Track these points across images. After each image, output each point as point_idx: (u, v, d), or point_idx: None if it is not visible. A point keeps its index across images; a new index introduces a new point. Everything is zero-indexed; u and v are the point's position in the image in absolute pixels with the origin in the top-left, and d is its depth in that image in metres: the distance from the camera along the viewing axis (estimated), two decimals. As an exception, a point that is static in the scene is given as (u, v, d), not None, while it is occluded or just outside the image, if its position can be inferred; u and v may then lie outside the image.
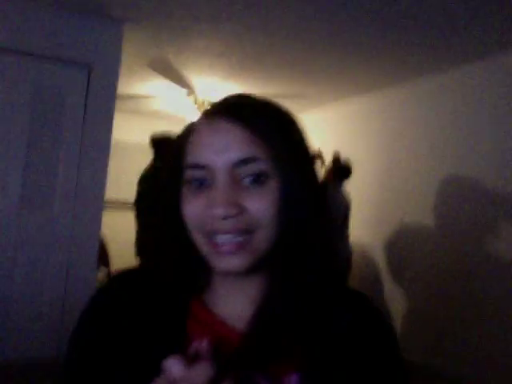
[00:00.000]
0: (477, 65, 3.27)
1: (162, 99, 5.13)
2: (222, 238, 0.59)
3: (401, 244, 3.83)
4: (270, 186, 0.59)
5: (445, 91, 3.56)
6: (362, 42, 3.12)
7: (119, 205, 5.18)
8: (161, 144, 3.29)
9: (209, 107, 0.66)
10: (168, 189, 0.66)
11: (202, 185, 0.61)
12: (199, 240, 0.61)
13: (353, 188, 3.57)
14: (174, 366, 0.48)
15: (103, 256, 3.29)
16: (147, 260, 0.72)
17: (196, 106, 4.73)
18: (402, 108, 4.03)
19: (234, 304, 0.65)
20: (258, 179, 0.59)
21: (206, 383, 0.46)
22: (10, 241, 2.80)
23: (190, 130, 0.66)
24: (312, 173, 0.65)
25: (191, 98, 4.62)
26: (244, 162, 0.58)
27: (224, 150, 0.59)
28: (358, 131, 4.55)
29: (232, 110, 0.63)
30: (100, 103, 3.04)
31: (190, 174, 0.61)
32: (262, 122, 0.61)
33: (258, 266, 0.60)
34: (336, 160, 3.45)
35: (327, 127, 4.95)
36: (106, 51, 3.06)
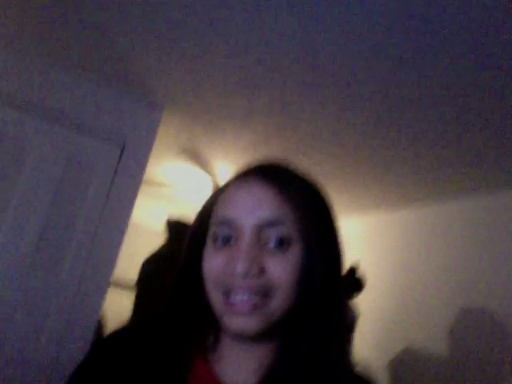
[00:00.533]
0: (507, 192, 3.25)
1: (185, 188, 5.23)
2: (238, 298, 0.58)
3: (407, 368, 3.60)
4: (293, 251, 0.59)
5: (473, 215, 3.52)
6: (391, 160, 3.17)
7: (125, 286, 5.09)
8: (175, 227, 3.27)
9: (242, 169, 0.69)
10: (191, 246, 0.67)
11: (227, 242, 0.61)
12: (216, 298, 0.61)
13: (364, 304, 3.45)
14: None
15: (99, 334, 3.15)
16: (153, 316, 0.68)
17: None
18: (425, 228, 3.98)
19: (239, 369, 0.63)
20: (282, 243, 0.59)
21: None
22: (11, 299, 2.74)
23: (221, 189, 0.68)
24: (335, 246, 0.64)
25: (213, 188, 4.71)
26: (272, 223, 0.59)
27: (254, 209, 0.60)
28: (378, 246, 4.50)
29: (264, 171, 0.65)
30: (126, 183, 3.08)
31: (216, 229, 0.62)
32: (293, 187, 0.63)
33: (269, 332, 0.59)
34: (353, 271, 3.38)
35: (347, 238, 4.89)
36: (141, 133, 3.16)
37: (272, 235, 0.59)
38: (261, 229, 0.59)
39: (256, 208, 0.60)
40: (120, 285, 4.97)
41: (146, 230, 5.86)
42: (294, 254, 0.59)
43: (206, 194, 4.93)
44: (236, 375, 0.63)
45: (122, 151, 3.10)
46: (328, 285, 0.60)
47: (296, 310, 0.60)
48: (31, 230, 2.81)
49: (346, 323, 0.61)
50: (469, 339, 3.17)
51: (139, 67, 2.71)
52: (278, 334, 0.62)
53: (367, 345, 3.69)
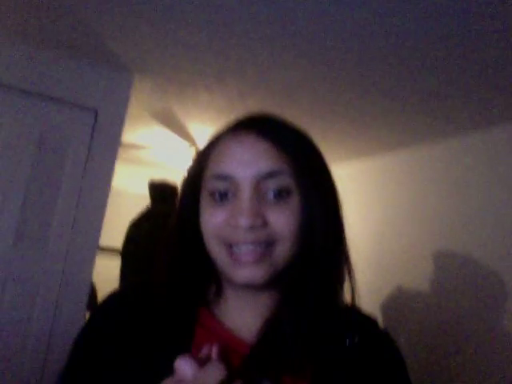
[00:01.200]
0: (489, 131, 3.24)
1: (162, 151, 5.22)
2: (243, 249, 0.59)
3: (396, 308, 3.75)
4: (292, 201, 0.61)
5: (454, 157, 3.54)
6: (371, 107, 3.22)
7: (111, 252, 5.14)
8: (159, 189, 3.32)
9: (232, 123, 0.68)
10: (187, 200, 0.67)
11: (224, 197, 0.61)
12: (218, 251, 0.62)
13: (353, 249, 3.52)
14: (185, 365, 0.48)
15: (92, 301, 3.22)
16: (156, 273, 0.68)
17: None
18: (403, 172, 4.04)
19: (244, 317, 0.65)
20: (281, 194, 0.60)
21: (216, 383, 0.47)
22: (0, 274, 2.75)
23: (214, 141, 0.67)
24: (333, 194, 0.66)
25: (192, 151, 4.71)
26: (270, 175, 0.60)
27: (250, 163, 0.60)
28: (362, 193, 4.56)
29: (259, 124, 0.65)
30: (103, 149, 3.07)
31: (213, 185, 0.62)
32: (288, 139, 0.63)
33: (274, 280, 0.61)
34: None
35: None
36: (113, 99, 3.13)
37: (271, 187, 0.60)
38: (259, 182, 0.60)
39: (253, 161, 0.60)
40: (106, 250, 5.02)
41: (126, 195, 5.87)
42: (294, 204, 0.60)
43: (183, 156, 4.94)
44: (240, 322, 0.65)
45: (96, 119, 3.07)
46: (329, 232, 0.62)
47: (299, 257, 0.61)
48: (12, 203, 2.80)
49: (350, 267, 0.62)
50: (453, 282, 3.29)
51: (106, 34, 2.66)
52: (281, 282, 0.63)
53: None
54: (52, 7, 2.43)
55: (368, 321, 0.69)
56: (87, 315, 3.11)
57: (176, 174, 4.96)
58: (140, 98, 3.57)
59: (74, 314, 2.89)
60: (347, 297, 0.66)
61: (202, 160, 0.67)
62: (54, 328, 2.86)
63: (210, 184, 0.63)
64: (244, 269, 0.59)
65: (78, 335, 0.69)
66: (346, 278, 0.65)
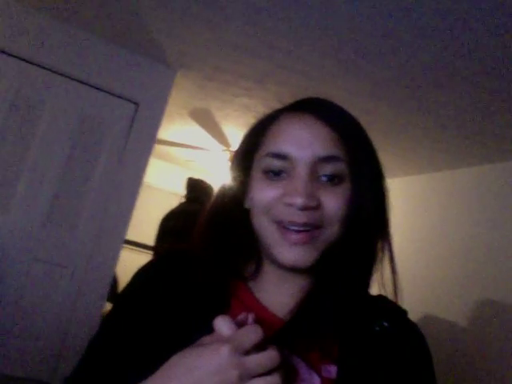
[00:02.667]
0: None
1: (196, 151, 5.25)
2: (293, 228, 0.59)
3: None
4: (344, 187, 0.61)
5: (498, 181, 3.39)
6: (432, 125, 3.16)
7: (137, 246, 5.17)
8: (194, 187, 3.35)
9: (292, 102, 0.69)
10: (236, 173, 0.68)
11: (278, 175, 0.61)
12: (267, 228, 0.62)
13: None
14: (224, 324, 0.51)
15: (112, 293, 3.24)
16: (197, 244, 0.69)
17: (230, 162, 4.81)
18: (444, 194, 3.93)
19: (279, 295, 0.66)
20: (335, 179, 0.60)
21: (253, 344, 0.49)
22: (28, 253, 2.81)
23: (272, 118, 0.67)
24: (382, 184, 0.66)
25: (226, 154, 4.71)
26: (327, 159, 0.60)
27: (309, 145, 0.60)
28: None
29: (320, 107, 0.65)
30: (140, 142, 3.10)
31: (268, 162, 0.62)
32: (347, 126, 0.64)
33: (317, 264, 0.61)
34: None
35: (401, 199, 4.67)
36: (155, 93, 3.16)
37: (326, 171, 0.60)
38: (316, 164, 0.60)
39: (312, 143, 0.60)
40: (132, 243, 5.05)
41: (157, 190, 5.92)
42: (346, 189, 0.60)
43: (216, 157, 4.95)
44: (277, 299, 0.65)
45: (136, 111, 3.10)
46: (374, 221, 0.62)
47: (342, 242, 0.61)
48: (47, 185, 2.85)
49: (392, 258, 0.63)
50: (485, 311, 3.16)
51: (154, 28, 2.69)
52: (321, 265, 0.62)
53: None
54: (105, -3, 2.47)
55: (398, 311, 0.69)
56: (107, 306, 3.15)
57: (207, 175, 4.97)
58: (179, 94, 3.60)
59: (94, 302, 2.92)
60: (389, 289, 0.66)
61: (258, 136, 0.67)
62: (73, 312, 2.89)
63: (265, 161, 0.63)
64: (292, 250, 0.59)
65: (116, 300, 0.70)
66: (389, 270, 0.66)
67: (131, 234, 3.86)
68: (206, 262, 0.65)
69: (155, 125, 3.16)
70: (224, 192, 0.69)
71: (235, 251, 0.68)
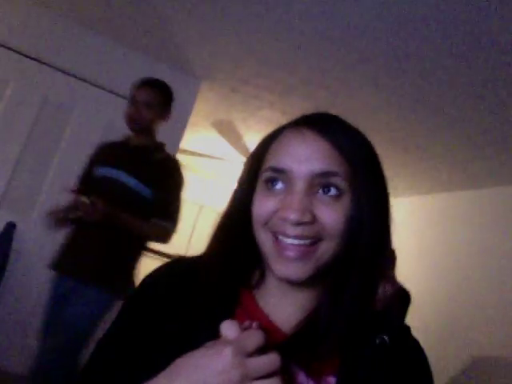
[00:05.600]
0: None
1: (218, 161, 5.28)
2: (288, 241, 0.60)
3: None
4: (343, 201, 0.61)
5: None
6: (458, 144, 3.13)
7: (157, 254, 5.20)
8: None
9: (296, 118, 0.70)
10: (243, 186, 0.70)
11: (277, 188, 0.63)
12: (264, 239, 0.64)
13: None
14: (230, 328, 0.53)
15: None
16: (206, 252, 0.72)
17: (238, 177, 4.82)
18: (460, 214, 3.85)
19: (283, 306, 0.67)
20: (334, 193, 0.61)
21: (255, 347, 0.51)
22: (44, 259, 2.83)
23: (275, 134, 0.69)
24: (384, 199, 0.66)
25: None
26: (325, 174, 0.61)
27: (307, 159, 0.61)
28: (414, 227, 4.39)
29: (320, 123, 0.66)
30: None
31: (268, 174, 0.64)
32: (346, 141, 0.64)
33: (316, 277, 0.62)
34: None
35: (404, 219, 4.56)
36: (179, 103, 3.19)
37: (324, 185, 0.61)
38: (313, 178, 0.60)
39: (310, 158, 0.61)
40: (152, 251, 5.08)
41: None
42: (345, 204, 0.61)
43: (237, 165, 4.97)
44: (280, 311, 0.66)
45: (160, 120, 3.13)
46: (375, 236, 0.62)
47: (343, 258, 0.62)
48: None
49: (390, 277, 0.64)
50: None
51: (180, 38, 2.73)
52: (323, 280, 0.64)
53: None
54: (134, 4, 2.52)
55: (400, 325, 0.70)
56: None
57: (229, 185, 4.98)
58: (203, 105, 3.63)
59: (118, 302, 2.93)
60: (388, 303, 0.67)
61: (261, 151, 0.69)
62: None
63: (265, 174, 0.65)
64: (286, 264, 0.61)
65: (125, 302, 0.72)
66: (390, 283, 0.67)
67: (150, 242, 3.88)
68: (214, 269, 0.67)
69: (179, 134, 3.19)
70: (233, 204, 0.71)
71: (242, 260, 0.69)
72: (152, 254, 5.15)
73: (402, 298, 3.02)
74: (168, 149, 3.12)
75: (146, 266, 3.61)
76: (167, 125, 3.13)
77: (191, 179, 6.44)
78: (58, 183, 2.87)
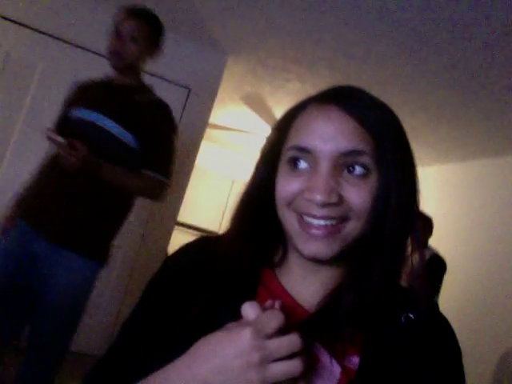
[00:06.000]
0: None
1: (248, 135, 5.28)
2: (314, 222, 0.59)
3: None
4: (370, 180, 0.59)
5: None
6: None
7: (190, 228, 5.30)
8: None
9: (321, 92, 0.66)
10: (265, 165, 0.68)
11: (301, 169, 0.61)
12: (288, 219, 0.62)
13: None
14: (250, 309, 0.52)
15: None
16: (228, 231, 0.70)
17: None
18: (496, 180, 3.71)
19: (307, 286, 0.66)
20: (360, 172, 0.59)
21: (275, 328, 0.50)
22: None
23: (298, 110, 0.66)
24: (411, 176, 0.64)
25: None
26: (351, 153, 0.58)
27: (333, 138, 0.59)
28: (447, 196, 4.29)
29: (345, 98, 0.62)
30: (192, 126, 3.16)
31: (292, 154, 0.62)
32: (374, 118, 0.61)
33: (341, 256, 0.61)
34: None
35: (444, 187, 4.46)
36: (206, 78, 3.20)
37: (350, 164, 0.59)
38: (339, 158, 0.59)
39: (335, 137, 0.59)
40: (184, 225, 5.18)
41: (208, 174, 6.01)
42: (372, 183, 0.59)
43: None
44: (303, 289, 0.66)
45: (188, 95, 3.15)
46: (402, 214, 0.61)
47: (369, 235, 0.61)
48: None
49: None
50: None
51: (206, 14, 2.71)
52: (347, 258, 0.63)
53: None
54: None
55: (427, 302, 0.66)
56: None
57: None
58: (231, 79, 3.62)
59: (146, 281, 3.01)
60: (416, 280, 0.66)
61: (283, 129, 0.66)
62: (126, 290, 3.02)
63: (289, 153, 0.62)
64: (312, 243, 0.59)
65: (149, 282, 0.73)
66: (417, 261, 0.65)
67: (183, 216, 3.95)
68: (235, 248, 0.67)
69: (207, 109, 3.20)
70: (254, 181, 0.69)
71: (264, 238, 0.68)
72: (183, 228, 5.26)
73: (437, 265, 3.00)
74: (197, 124, 3.17)
75: (178, 239, 3.70)
76: (195, 100, 3.16)
77: (223, 154, 6.48)
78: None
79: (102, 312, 2.95)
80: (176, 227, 3.77)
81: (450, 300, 3.33)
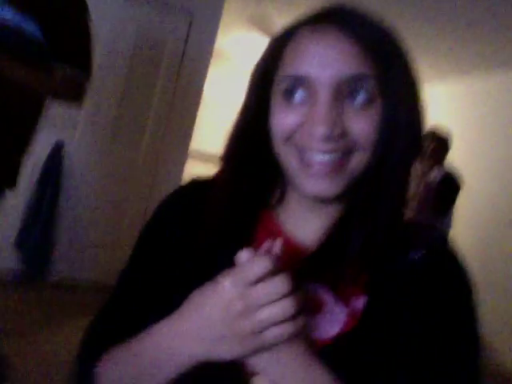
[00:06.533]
0: None
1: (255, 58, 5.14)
2: (316, 157, 0.54)
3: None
4: (375, 108, 0.54)
5: None
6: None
7: (202, 156, 5.30)
8: None
9: (313, 12, 0.58)
10: (255, 96, 0.61)
11: (298, 100, 0.55)
12: (287, 156, 0.57)
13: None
14: (244, 258, 0.48)
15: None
16: (221, 172, 0.66)
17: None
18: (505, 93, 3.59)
19: (306, 224, 0.62)
20: (364, 100, 0.53)
21: (260, 275, 0.46)
22: (96, 173, 2.96)
23: (290, 33, 0.58)
24: (417, 101, 0.58)
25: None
26: (352, 78, 0.53)
27: (331, 63, 0.52)
28: (457, 111, 4.18)
29: (343, 18, 0.55)
30: (197, 53, 3.07)
31: (286, 84, 0.56)
32: (375, 38, 0.54)
33: (345, 192, 0.56)
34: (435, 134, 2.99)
35: (451, 102, 4.34)
36: (209, 2, 3.06)
37: (352, 92, 0.53)
38: (339, 85, 0.52)
39: (334, 61, 0.52)
40: (197, 156, 5.17)
41: (217, 104, 5.93)
42: (377, 110, 0.54)
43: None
44: (302, 228, 0.62)
45: (191, 22, 3.04)
46: (410, 141, 0.56)
47: (373, 168, 0.56)
48: (108, 106, 2.92)
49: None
50: None
51: None
52: (352, 193, 0.58)
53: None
54: None
55: (436, 238, 0.63)
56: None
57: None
58: (235, 2, 3.46)
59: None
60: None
61: (275, 54, 0.58)
62: (142, 222, 3.04)
63: (283, 83, 0.56)
64: (315, 180, 0.54)
65: (142, 230, 0.70)
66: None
67: (195, 143, 3.92)
68: (230, 190, 0.63)
69: (211, 35, 3.09)
70: (244, 117, 0.62)
71: (261, 178, 0.63)
72: (200, 157, 5.27)
73: (449, 185, 2.95)
74: (202, 51, 3.07)
75: (195, 169, 3.76)
76: (199, 26, 3.04)
77: (227, 80, 6.28)
78: (96, 94, 2.82)
79: (118, 244, 2.99)
80: (192, 159, 3.76)
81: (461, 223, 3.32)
